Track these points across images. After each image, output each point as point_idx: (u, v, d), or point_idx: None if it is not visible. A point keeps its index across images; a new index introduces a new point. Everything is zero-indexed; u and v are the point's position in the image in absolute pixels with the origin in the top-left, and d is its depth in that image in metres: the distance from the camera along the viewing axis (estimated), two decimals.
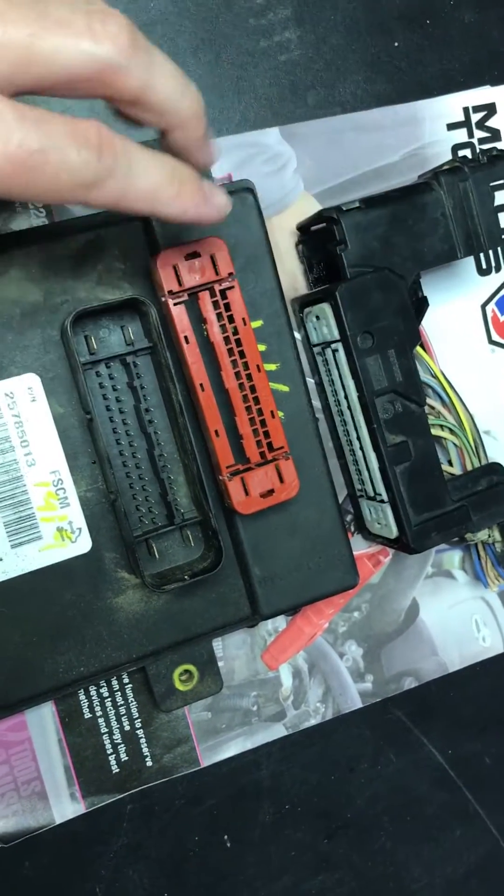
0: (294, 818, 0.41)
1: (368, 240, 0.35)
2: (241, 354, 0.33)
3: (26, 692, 0.33)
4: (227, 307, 0.33)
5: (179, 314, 0.32)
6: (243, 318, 0.33)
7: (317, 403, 0.38)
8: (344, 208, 0.35)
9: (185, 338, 0.32)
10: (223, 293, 0.32)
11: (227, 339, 0.33)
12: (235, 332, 0.33)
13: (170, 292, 0.32)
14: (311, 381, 0.38)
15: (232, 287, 0.32)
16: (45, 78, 0.23)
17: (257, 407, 0.33)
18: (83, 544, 0.33)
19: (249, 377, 0.33)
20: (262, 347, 0.34)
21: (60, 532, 0.33)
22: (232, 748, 0.39)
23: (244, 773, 0.40)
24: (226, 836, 0.40)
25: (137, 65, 0.24)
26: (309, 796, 0.41)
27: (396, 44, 0.41)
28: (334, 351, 0.36)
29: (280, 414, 0.34)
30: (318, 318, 0.36)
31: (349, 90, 0.40)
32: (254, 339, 0.33)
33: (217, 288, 0.32)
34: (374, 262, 0.35)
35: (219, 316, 0.33)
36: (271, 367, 0.35)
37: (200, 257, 0.32)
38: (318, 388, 0.39)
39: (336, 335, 0.35)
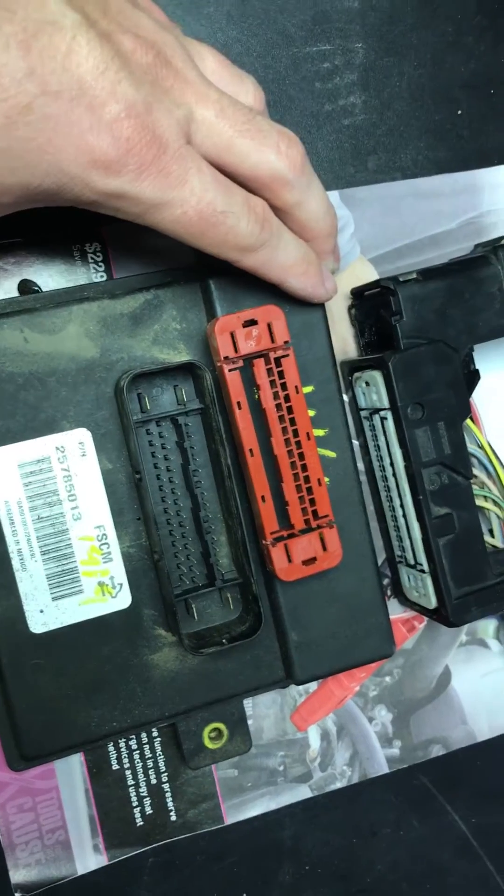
0: (314, 880, 0.41)
1: (424, 311, 0.35)
2: (292, 422, 0.33)
3: (59, 744, 0.33)
4: (281, 375, 0.33)
5: (233, 380, 0.32)
6: (296, 387, 0.33)
7: (359, 466, 0.38)
8: (401, 279, 0.35)
9: (238, 403, 0.32)
10: (277, 361, 0.33)
11: (278, 406, 0.33)
12: (287, 400, 0.33)
13: (225, 358, 0.32)
14: (354, 443, 0.38)
15: (287, 356, 0.33)
16: (232, 166, 0.28)
17: (304, 474, 0.33)
18: (123, 600, 0.33)
19: (299, 444, 0.33)
20: (311, 413, 0.34)
21: (101, 587, 0.33)
22: (256, 807, 0.39)
23: (266, 832, 0.40)
24: (244, 895, 0.40)
25: (300, 184, 0.29)
26: (330, 859, 0.41)
27: (460, 112, 0.41)
28: (383, 419, 0.36)
29: (326, 480, 0.34)
30: (367, 384, 0.36)
31: (410, 156, 0.40)
32: (305, 407, 0.33)
33: (272, 356, 0.32)
34: (428, 333, 0.35)
35: (272, 383, 0.33)
36: (319, 432, 0.35)
37: (257, 324, 0.32)
38: (361, 450, 0.39)
39: (386, 403, 0.35)
